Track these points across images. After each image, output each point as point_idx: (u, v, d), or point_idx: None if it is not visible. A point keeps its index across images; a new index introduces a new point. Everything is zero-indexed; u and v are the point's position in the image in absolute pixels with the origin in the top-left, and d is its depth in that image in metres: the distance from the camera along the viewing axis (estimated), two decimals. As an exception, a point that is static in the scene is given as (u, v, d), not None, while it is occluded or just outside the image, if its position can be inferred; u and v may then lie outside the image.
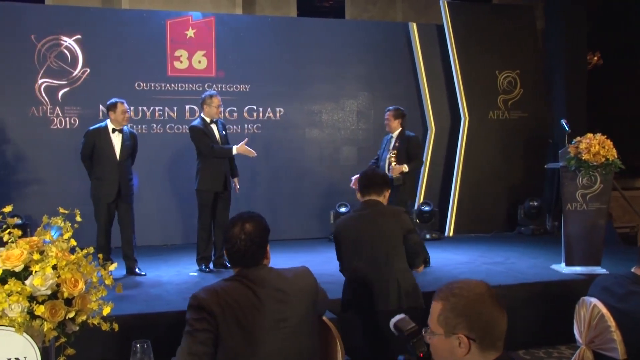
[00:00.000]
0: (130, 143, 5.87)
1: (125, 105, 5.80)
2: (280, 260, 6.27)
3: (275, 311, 2.22)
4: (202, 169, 5.92)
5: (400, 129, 6.05)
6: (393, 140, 6.02)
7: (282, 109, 8.36)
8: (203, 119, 5.96)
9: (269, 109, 8.31)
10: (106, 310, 1.92)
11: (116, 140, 5.78)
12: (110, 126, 5.79)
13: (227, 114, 8.06)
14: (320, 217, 8.28)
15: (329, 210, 8.14)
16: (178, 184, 7.83)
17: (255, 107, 8.25)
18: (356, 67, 8.58)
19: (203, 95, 6.04)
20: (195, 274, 5.93)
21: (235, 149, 5.86)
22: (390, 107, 6.12)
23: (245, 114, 8.20)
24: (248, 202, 7.59)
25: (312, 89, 8.46)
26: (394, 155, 5.88)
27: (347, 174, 8.46)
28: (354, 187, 6.10)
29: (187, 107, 7.98)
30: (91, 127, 5.86)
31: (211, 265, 5.97)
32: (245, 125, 8.16)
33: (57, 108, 7.57)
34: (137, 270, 5.85)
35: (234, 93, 8.13)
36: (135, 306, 4.44)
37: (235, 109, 8.11)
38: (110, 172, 5.70)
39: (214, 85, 8.03)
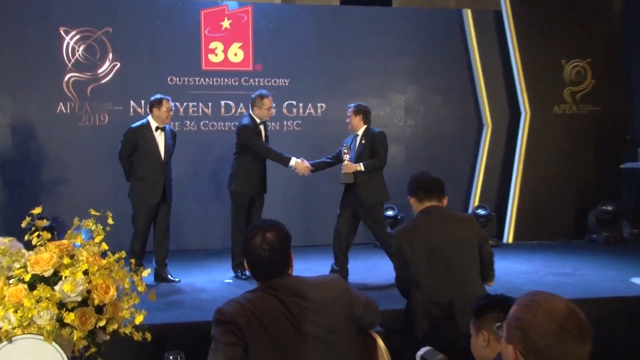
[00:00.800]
0: (172, 142, 6.00)
1: (171, 102, 5.94)
2: (319, 267, 6.21)
3: (304, 322, 2.22)
4: (240, 171, 6.00)
5: (365, 126, 6.00)
6: (359, 139, 5.93)
7: (323, 105, 8.35)
8: (252, 119, 6.05)
9: (309, 104, 8.32)
10: (139, 319, 1.94)
11: (160, 138, 5.89)
12: (154, 124, 5.89)
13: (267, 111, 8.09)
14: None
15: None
16: (213, 184, 7.91)
17: (294, 102, 8.27)
18: (404, 58, 8.51)
19: (253, 95, 6.12)
20: (231, 281, 5.99)
21: (293, 161, 5.93)
22: (351, 105, 6.06)
23: (285, 110, 8.23)
24: (284, 205, 7.63)
25: (356, 83, 8.43)
26: (346, 152, 5.87)
27: (393, 175, 8.38)
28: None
29: (223, 102, 8.06)
30: (133, 125, 5.95)
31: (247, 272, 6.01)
32: (285, 122, 8.19)
33: (86, 104, 7.75)
34: (169, 276, 5.93)
35: (273, 88, 8.15)
36: (168, 315, 4.50)
37: (274, 105, 8.11)
38: (155, 172, 5.81)
39: (251, 80, 8.08)
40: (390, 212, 7.93)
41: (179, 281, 5.90)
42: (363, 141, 5.93)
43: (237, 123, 7.71)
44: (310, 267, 6.20)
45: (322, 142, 8.28)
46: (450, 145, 8.60)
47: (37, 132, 7.69)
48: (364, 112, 6.00)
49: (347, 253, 5.90)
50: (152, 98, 5.96)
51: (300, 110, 8.29)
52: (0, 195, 7.59)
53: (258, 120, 6.04)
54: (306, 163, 6.01)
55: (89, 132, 7.75)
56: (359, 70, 8.41)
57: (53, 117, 7.69)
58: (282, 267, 2.33)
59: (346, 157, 5.87)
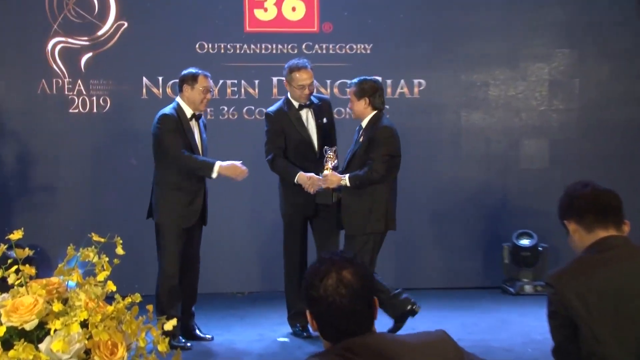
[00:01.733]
0: (206, 136, 6.17)
1: (210, 80, 6.07)
2: (419, 322, 6.18)
3: None
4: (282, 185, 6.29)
5: (372, 113, 5.94)
6: (360, 133, 5.97)
7: (422, 81, 8.30)
8: (289, 102, 6.19)
9: (402, 81, 8.28)
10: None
11: (195, 131, 6.05)
12: (187, 110, 5.99)
13: (336, 90, 8.08)
14: (485, 254, 8.23)
15: (499, 243, 8.03)
16: (259, 199, 7.93)
17: (380, 78, 8.16)
18: (549, 10, 8.38)
19: (286, 66, 6.23)
20: (287, 339, 6.05)
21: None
22: (353, 81, 6.07)
23: (365, 89, 8.19)
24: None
25: (471, 48, 8.35)
26: (331, 155, 5.87)
27: (530, 184, 8.25)
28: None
29: (275, 79, 8.08)
30: (167, 111, 5.98)
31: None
32: (364, 108, 8.14)
33: (79, 82, 7.92)
34: (198, 331, 6.02)
35: (348, 57, 8.14)
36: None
37: (348, 82, 8.09)
38: (194, 180, 5.96)
39: (316, 46, 8.12)
40: (526, 241, 7.80)
41: (212, 339, 5.99)
42: (361, 138, 5.94)
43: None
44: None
45: (421, 136, 8.21)
46: (621, 140, 8.41)
47: (9, 123, 7.90)
48: (371, 93, 5.96)
49: None
50: (184, 72, 6.07)
51: (389, 89, 8.23)
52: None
53: (296, 104, 6.17)
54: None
55: (83, 122, 7.92)
56: (475, 29, 8.34)
57: (32, 101, 7.89)
58: (364, 320, 2.33)
59: (329, 164, 5.85)
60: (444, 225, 8.28)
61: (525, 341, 6.06)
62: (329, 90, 7.96)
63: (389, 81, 8.23)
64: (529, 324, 6.53)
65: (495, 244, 8.10)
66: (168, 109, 5.97)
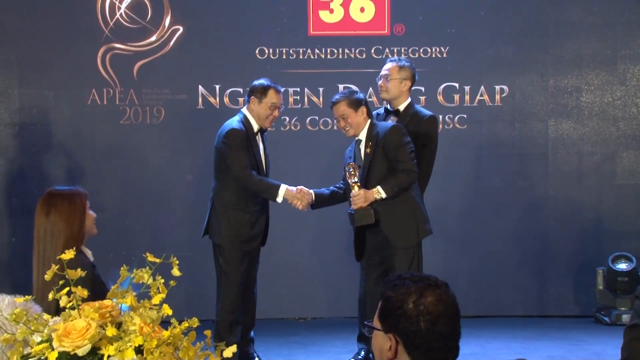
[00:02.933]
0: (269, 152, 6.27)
1: (281, 95, 6.17)
2: (503, 352, 6.17)
3: None
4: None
5: (368, 122, 5.97)
6: (362, 147, 5.97)
7: (505, 87, 8.24)
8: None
9: (481, 87, 8.24)
10: None
11: (261, 146, 6.18)
12: (255, 125, 6.10)
13: (408, 97, 8.09)
14: (577, 279, 8.15)
15: (593, 267, 7.94)
16: (324, 218, 7.97)
17: (457, 84, 8.21)
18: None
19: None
20: None
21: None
22: (338, 96, 6.09)
23: (441, 97, 8.18)
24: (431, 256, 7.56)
25: (561, 49, 8.28)
26: (354, 172, 5.85)
27: (628, 201, 8.14)
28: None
29: (341, 87, 8.11)
30: (235, 125, 6.04)
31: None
32: (440, 117, 8.12)
33: (132, 91, 8.08)
34: (256, 359, 6.11)
35: (423, 61, 8.12)
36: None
37: (423, 88, 8.12)
38: (258, 199, 6.07)
39: (387, 49, 8.12)
40: (623, 265, 7.69)
41: None
42: (368, 150, 5.91)
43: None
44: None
45: (503, 149, 8.16)
46: None
47: (57, 135, 8.11)
48: (364, 101, 6.03)
49: None
50: (255, 82, 6.18)
51: (467, 96, 8.21)
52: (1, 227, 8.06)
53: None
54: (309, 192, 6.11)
55: (135, 134, 8.09)
56: (566, 27, 8.27)
57: (81, 112, 8.07)
58: (450, 352, 2.36)
59: (354, 180, 5.83)
60: (531, 247, 8.19)
61: (621, 377, 5.97)
62: (409, 99, 7.98)
63: (467, 87, 8.20)
64: (626, 358, 6.44)
65: (588, 268, 8.00)
66: (236, 123, 6.02)
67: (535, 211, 8.24)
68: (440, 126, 7.99)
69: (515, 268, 8.15)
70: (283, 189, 5.92)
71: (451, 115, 8.19)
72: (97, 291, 3.64)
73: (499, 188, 8.10)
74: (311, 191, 6.09)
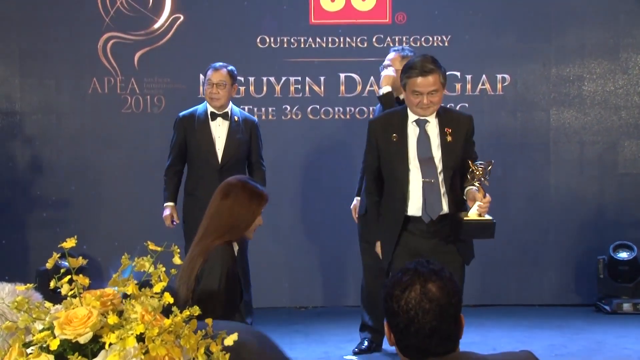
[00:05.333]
0: (244, 137, 6.28)
1: (220, 71, 6.29)
2: (504, 341, 6.23)
3: None
4: None
5: None
6: (435, 131, 5.01)
7: (507, 76, 8.24)
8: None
9: (483, 76, 8.25)
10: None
11: (218, 131, 6.23)
12: (209, 109, 6.31)
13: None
14: (578, 268, 8.17)
15: (594, 256, 7.96)
16: (324, 206, 8.01)
17: (458, 73, 8.21)
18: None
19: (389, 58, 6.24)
20: (355, 357, 6.14)
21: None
22: (429, 64, 4.92)
23: (442, 86, 8.19)
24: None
25: (564, 38, 8.29)
26: (480, 169, 4.82)
27: (630, 191, 8.16)
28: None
29: (342, 76, 8.15)
30: (182, 113, 6.40)
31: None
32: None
33: (133, 80, 8.12)
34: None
35: (424, 50, 8.05)
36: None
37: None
38: (205, 184, 6.06)
39: (388, 38, 8.13)
40: (624, 254, 7.72)
41: None
42: (448, 137, 5.00)
43: (364, 108, 7.82)
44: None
45: (505, 138, 8.17)
46: None
47: (59, 124, 8.15)
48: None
49: None
50: None
51: (469, 85, 8.23)
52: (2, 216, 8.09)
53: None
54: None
55: (136, 122, 8.13)
56: (569, 15, 8.26)
57: (82, 101, 8.11)
58: (448, 339, 2.35)
59: (478, 184, 4.83)
60: (532, 236, 8.22)
61: (622, 365, 6.00)
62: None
63: (469, 76, 8.21)
64: (627, 347, 6.49)
65: (590, 257, 8.02)
66: (186, 110, 6.42)
67: (537, 200, 8.25)
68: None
69: (517, 257, 8.17)
70: (166, 205, 6.43)
71: (452, 104, 8.14)
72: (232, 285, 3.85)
73: (500, 177, 8.08)
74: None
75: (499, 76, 8.27)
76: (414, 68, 4.86)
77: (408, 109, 4.99)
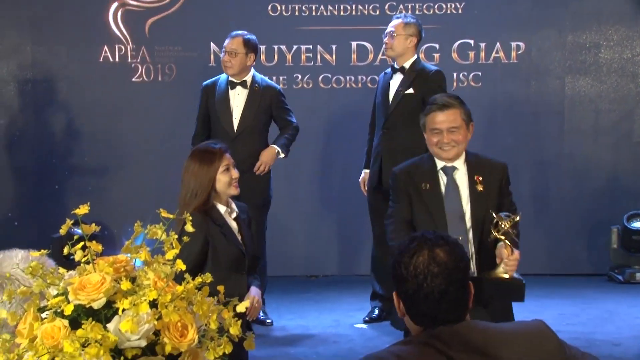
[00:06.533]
0: (263, 106, 6.31)
1: (235, 39, 6.25)
2: (515, 310, 6.28)
3: None
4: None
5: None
6: (463, 180, 4.59)
7: (521, 44, 8.22)
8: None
9: (497, 44, 8.23)
10: (230, 378, 2.04)
11: (236, 100, 6.28)
12: (230, 78, 6.33)
13: (422, 55, 8.08)
14: (591, 237, 8.20)
15: (607, 225, 7.99)
16: (336, 175, 8.06)
17: (472, 41, 8.20)
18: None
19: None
20: (365, 326, 6.21)
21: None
22: (448, 99, 4.59)
23: (455, 55, 8.19)
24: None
25: (580, 4, 8.25)
26: (507, 222, 4.13)
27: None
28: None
29: (354, 44, 8.16)
30: (206, 82, 6.44)
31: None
32: (454, 74, 8.15)
33: (143, 49, 8.16)
34: (260, 315, 6.16)
35: (437, 18, 8.12)
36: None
37: (437, 46, 8.13)
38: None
39: (400, 5, 8.11)
40: (637, 224, 7.72)
41: (271, 324, 6.19)
42: (479, 187, 4.55)
43: (375, 77, 7.81)
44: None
45: (519, 107, 8.17)
46: None
47: (69, 92, 8.21)
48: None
49: None
50: None
51: (482, 54, 8.22)
52: (10, 187, 8.21)
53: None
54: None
55: (147, 91, 8.18)
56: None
57: (93, 70, 8.16)
58: (457, 306, 2.39)
59: (504, 238, 4.13)
60: (545, 205, 8.24)
61: (635, 334, 6.02)
62: (415, 56, 8.01)
63: (482, 44, 8.19)
64: (639, 316, 6.53)
65: (603, 226, 8.03)
66: (214, 78, 6.42)
67: (550, 169, 8.27)
68: (455, 84, 8.05)
69: (529, 226, 8.09)
70: None
71: (465, 73, 8.20)
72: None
73: (513, 146, 8.10)
74: None
75: (514, 44, 8.25)
76: (433, 103, 4.49)
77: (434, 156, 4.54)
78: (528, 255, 8.01)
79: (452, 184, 4.50)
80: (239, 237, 4.35)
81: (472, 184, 4.48)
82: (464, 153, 4.54)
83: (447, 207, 4.46)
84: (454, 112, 4.44)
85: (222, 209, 4.28)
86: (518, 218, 4.11)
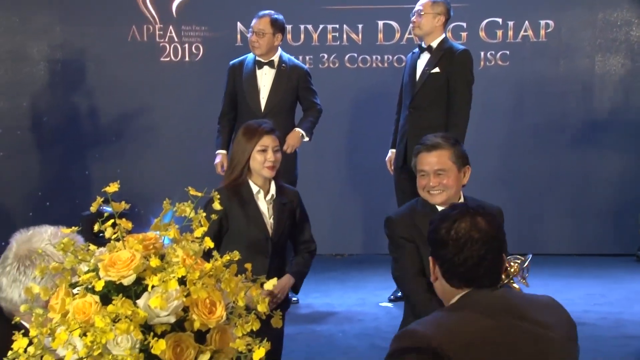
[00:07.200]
0: (290, 86, 6.34)
1: (262, 19, 6.26)
2: (542, 289, 6.33)
3: (537, 355, 2.40)
4: None
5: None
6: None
7: (550, 22, 8.18)
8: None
9: (526, 22, 8.20)
10: (258, 354, 2.06)
11: (263, 80, 6.30)
12: (257, 57, 6.35)
13: (449, 35, 8.07)
14: (618, 217, 8.19)
15: (636, 205, 8.02)
16: (362, 155, 8.08)
17: (500, 20, 8.18)
18: None
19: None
20: (390, 304, 6.30)
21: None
22: (436, 138, 4.11)
23: (483, 33, 8.17)
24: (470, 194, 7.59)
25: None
26: (515, 265, 3.85)
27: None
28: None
29: (380, 24, 8.16)
30: (233, 61, 6.47)
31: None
32: (482, 54, 8.13)
33: (171, 28, 8.21)
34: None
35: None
36: (292, 354, 4.73)
37: (465, 24, 8.11)
38: None
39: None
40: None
41: (297, 301, 6.21)
42: None
43: (402, 56, 7.80)
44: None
45: (548, 86, 8.15)
46: None
47: (98, 72, 8.26)
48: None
49: None
50: None
51: (510, 32, 8.19)
52: (40, 167, 8.29)
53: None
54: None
55: (174, 71, 8.24)
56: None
57: (122, 49, 8.22)
58: (493, 272, 2.53)
59: (512, 283, 3.85)
60: (573, 185, 8.24)
61: (663, 315, 6.03)
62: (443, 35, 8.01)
63: (510, 23, 8.17)
64: (667, 296, 6.51)
65: (632, 206, 8.04)
66: (241, 57, 6.45)
67: (578, 149, 8.24)
68: (482, 63, 8.04)
69: (556, 206, 8.18)
70: (219, 153, 6.42)
71: (493, 52, 8.18)
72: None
73: (541, 126, 8.09)
74: None
75: (543, 22, 8.21)
76: (422, 143, 4.10)
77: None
78: (555, 235, 8.11)
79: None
80: (269, 221, 4.31)
81: None
82: (461, 197, 4.10)
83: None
84: (442, 154, 4.00)
85: (254, 188, 4.26)
86: (527, 263, 3.82)
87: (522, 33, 8.20)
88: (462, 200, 4.02)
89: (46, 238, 2.71)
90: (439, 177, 3.92)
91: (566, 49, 8.23)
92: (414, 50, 6.34)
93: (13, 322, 2.37)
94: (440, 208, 3.90)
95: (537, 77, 8.13)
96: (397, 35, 8.17)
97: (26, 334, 2.03)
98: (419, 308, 3.89)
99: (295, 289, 4.51)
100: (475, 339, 2.34)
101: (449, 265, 2.51)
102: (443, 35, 6.20)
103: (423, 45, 6.21)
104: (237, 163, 4.22)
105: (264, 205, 4.31)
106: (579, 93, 8.23)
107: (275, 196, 4.32)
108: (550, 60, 8.21)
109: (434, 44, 6.13)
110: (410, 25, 6.39)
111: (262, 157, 4.18)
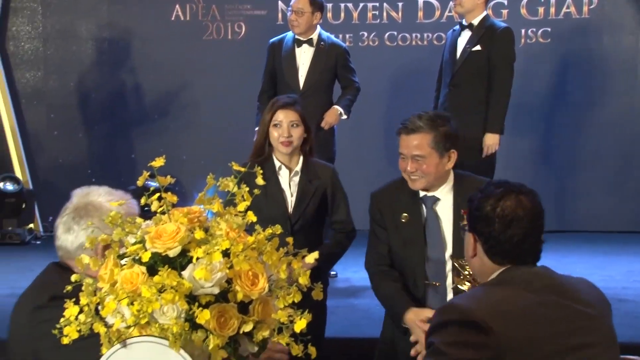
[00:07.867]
0: (328, 64, 6.37)
1: (297, 1, 6.28)
2: (581, 267, 6.26)
3: (577, 331, 2.44)
4: None
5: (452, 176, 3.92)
6: (448, 210, 3.83)
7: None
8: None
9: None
10: (300, 325, 2.12)
11: (302, 58, 6.36)
12: (295, 36, 6.40)
13: (490, 12, 8.02)
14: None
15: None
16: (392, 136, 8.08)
17: (542, -3, 8.15)
18: None
19: None
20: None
21: None
22: (419, 122, 3.83)
23: (524, 10, 8.13)
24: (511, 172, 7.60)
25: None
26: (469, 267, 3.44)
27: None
28: None
29: (420, 2, 8.15)
30: (272, 39, 6.52)
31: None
32: (522, 31, 8.08)
33: (214, 7, 8.28)
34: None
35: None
36: (331, 326, 4.79)
37: (506, 1, 8.08)
38: None
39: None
40: None
41: (335, 275, 6.32)
42: (465, 216, 3.30)
43: (442, 34, 7.78)
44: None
45: (591, 63, 8.09)
46: None
47: (142, 51, 8.39)
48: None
49: None
50: None
51: (552, 9, 8.14)
52: (87, 145, 8.46)
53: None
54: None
55: (217, 49, 8.31)
56: None
57: (165, 28, 8.32)
58: (535, 250, 2.58)
59: (469, 286, 3.51)
60: (614, 162, 8.21)
61: None
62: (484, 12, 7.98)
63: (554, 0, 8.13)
64: None
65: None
66: (281, 35, 6.47)
67: (620, 127, 8.20)
68: (522, 40, 8.00)
69: (597, 183, 8.14)
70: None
71: (534, 29, 8.14)
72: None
73: (583, 104, 8.05)
74: None
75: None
76: (402, 123, 3.87)
77: None
78: (596, 212, 8.08)
79: (433, 219, 3.77)
80: (291, 199, 4.23)
81: (456, 219, 3.67)
82: (451, 179, 3.79)
83: (427, 245, 3.76)
84: (420, 138, 3.71)
85: (276, 164, 4.21)
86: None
87: (564, 10, 8.15)
88: (452, 180, 3.75)
89: (102, 193, 2.88)
90: (417, 163, 3.67)
91: (610, 25, 8.16)
92: (454, 28, 6.31)
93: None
94: (422, 193, 3.75)
95: (579, 55, 8.08)
96: (437, 13, 8.16)
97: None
98: (384, 303, 3.85)
99: (322, 271, 4.23)
100: (517, 313, 2.39)
101: (494, 242, 2.56)
102: (484, 13, 6.14)
103: (464, 22, 6.16)
104: (260, 139, 4.22)
105: (286, 182, 4.25)
106: (623, 70, 8.18)
107: (300, 173, 4.25)
108: (593, 36, 8.15)
109: (475, 22, 6.08)
110: (451, 3, 6.38)
111: (276, 132, 4.13)
